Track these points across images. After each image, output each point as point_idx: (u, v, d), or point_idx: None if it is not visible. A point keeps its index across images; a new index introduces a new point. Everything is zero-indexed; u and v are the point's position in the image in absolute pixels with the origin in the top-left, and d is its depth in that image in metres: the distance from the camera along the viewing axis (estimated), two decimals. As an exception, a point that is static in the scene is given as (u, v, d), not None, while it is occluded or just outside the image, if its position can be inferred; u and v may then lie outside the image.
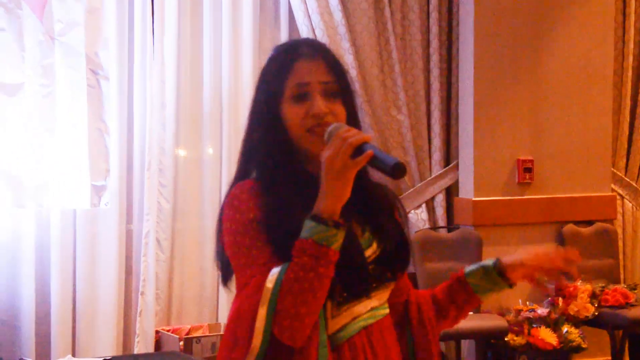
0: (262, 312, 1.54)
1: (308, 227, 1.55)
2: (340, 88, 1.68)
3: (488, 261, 1.80)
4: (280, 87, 1.66)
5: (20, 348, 4.25)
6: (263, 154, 1.67)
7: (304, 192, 1.61)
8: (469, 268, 1.81)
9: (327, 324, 1.61)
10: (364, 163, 1.54)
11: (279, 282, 1.54)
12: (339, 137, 1.55)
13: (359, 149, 1.55)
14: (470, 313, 5.07)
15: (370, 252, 1.68)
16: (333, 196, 1.54)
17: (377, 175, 1.68)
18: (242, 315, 1.58)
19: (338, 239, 1.55)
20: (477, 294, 1.79)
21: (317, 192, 1.57)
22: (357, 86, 4.72)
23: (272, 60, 1.71)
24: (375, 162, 1.55)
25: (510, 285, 1.78)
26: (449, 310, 1.81)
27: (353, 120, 1.69)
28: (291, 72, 1.66)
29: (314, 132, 1.63)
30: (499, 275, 1.78)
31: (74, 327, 4.38)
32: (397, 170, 1.53)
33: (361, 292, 1.65)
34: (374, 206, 1.71)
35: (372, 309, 1.67)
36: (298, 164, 1.67)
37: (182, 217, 4.68)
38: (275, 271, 1.56)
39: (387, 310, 1.72)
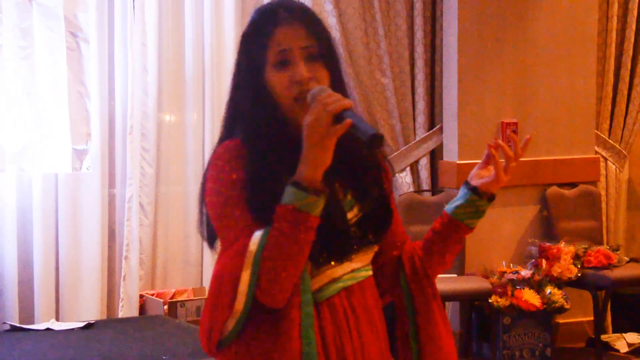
0: (245, 276, 1.55)
1: (288, 193, 1.54)
2: (321, 51, 1.65)
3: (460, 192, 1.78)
4: (262, 54, 1.65)
5: (3, 312, 4.25)
6: (248, 117, 1.66)
7: (288, 157, 1.60)
8: (449, 205, 1.79)
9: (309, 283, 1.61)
10: (343, 132, 1.53)
11: (261, 246, 1.55)
12: (319, 103, 1.54)
13: (339, 116, 1.54)
14: (454, 275, 5.04)
15: (352, 215, 1.68)
16: (314, 163, 1.54)
17: None
18: (225, 279, 1.58)
19: (319, 206, 1.55)
20: (461, 221, 1.76)
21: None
22: (340, 49, 4.68)
23: (251, 26, 1.70)
24: (354, 131, 1.55)
25: (481, 194, 1.75)
26: (439, 246, 1.78)
27: (337, 83, 1.67)
28: (271, 39, 1.64)
29: (301, 100, 1.61)
30: (475, 193, 1.75)
31: (57, 292, 4.38)
32: (374, 141, 1.54)
33: (342, 254, 1.65)
34: (358, 168, 1.70)
35: (353, 270, 1.68)
36: (284, 128, 1.65)
37: (166, 182, 4.66)
38: (257, 234, 1.56)
39: (370, 272, 1.72)
